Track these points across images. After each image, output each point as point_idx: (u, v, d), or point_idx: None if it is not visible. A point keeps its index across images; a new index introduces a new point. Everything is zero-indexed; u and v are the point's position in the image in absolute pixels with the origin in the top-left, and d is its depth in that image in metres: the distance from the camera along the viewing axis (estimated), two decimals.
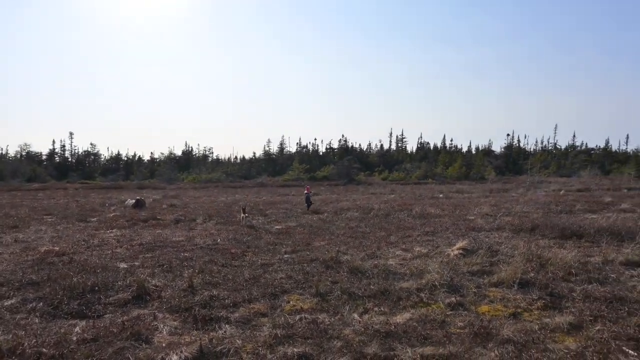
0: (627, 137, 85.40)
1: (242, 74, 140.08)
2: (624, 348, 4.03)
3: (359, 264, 7.29)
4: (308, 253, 8.58)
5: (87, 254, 8.67)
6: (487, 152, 74.95)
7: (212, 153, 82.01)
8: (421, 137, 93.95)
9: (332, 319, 4.93)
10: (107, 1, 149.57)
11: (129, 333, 4.45)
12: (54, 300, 5.60)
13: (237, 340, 4.31)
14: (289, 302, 5.57)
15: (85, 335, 4.43)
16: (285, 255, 8.46)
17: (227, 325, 4.75)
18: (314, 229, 11.85)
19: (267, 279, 6.62)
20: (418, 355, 3.95)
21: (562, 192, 26.02)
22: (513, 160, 69.62)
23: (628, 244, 8.66)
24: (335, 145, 78.95)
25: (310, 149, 79.19)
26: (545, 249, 8.14)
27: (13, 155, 70.00)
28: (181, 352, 3.99)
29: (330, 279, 6.56)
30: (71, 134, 72.99)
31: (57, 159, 72.21)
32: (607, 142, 74.41)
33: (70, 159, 73.12)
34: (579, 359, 3.88)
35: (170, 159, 73.89)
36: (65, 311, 5.27)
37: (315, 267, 7.32)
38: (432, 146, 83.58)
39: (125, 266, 7.60)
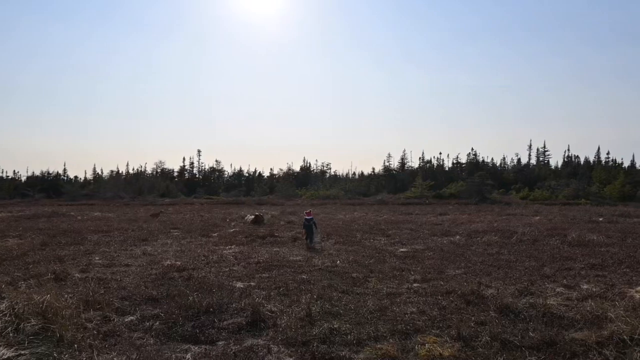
0: None
1: (359, 86, 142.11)
2: None
3: (510, 301, 6.21)
4: (442, 283, 7.69)
5: (206, 270, 8.91)
6: None
7: (330, 169, 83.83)
8: (568, 149, 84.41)
9: None
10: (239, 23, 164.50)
11: None
12: (169, 319, 5.63)
13: None
14: (423, 344, 4.81)
15: None
16: (415, 285, 7.68)
17: None
18: (445, 254, 10.83)
19: (396, 313, 5.94)
20: None
21: None
22: None
23: None
24: (464, 159, 75.10)
25: (435, 164, 76.40)
26: None
27: (150, 172, 79.85)
28: None
29: (473, 318, 5.64)
30: (199, 151, 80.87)
31: (186, 175, 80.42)
32: None
33: (197, 175, 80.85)
34: None
35: (289, 175, 77.40)
36: (180, 333, 5.22)
37: (453, 302, 6.43)
38: (582, 160, 74.83)
39: (241, 286, 7.56)
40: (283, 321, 5.57)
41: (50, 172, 70.63)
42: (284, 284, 7.62)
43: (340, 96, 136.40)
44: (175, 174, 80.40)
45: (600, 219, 21.20)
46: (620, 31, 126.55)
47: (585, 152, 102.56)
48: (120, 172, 78.00)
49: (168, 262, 9.76)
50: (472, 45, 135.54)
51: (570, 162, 75.13)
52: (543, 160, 75.19)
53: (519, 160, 76.40)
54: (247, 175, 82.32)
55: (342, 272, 8.74)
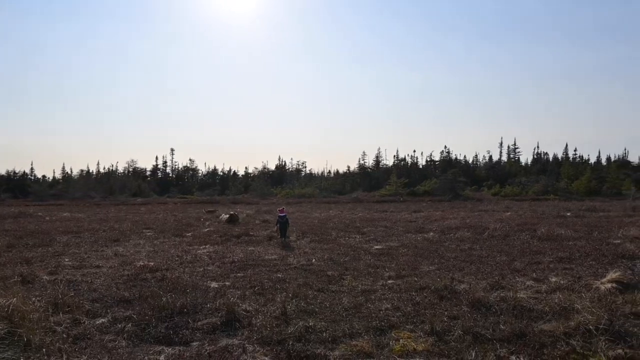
0: None
1: (334, 86, 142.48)
2: None
3: (482, 295, 6.34)
4: (416, 279, 7.79)
5: (180, 271, 8.79)
6: (622, 163, 66.90)
7: (305, 167, 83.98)
8: (537, 146, 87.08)
9: None
10: (206, 19, 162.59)
11: None
12: (142, 321, 5.53)
13: None
14: (398, 340, 4.87)
15: None
16: (389, 281, 7.76)
17: None
18: (419, 251, 10.98)
19: (370, 309, 5.99)
20: None
21: None
22: None
23: None
24: (437, 157, 76.27)
25: (409, 162, 77.31)
26: None
27: (122, 171, 78.20)
28: None
29: (446, 313, 5.73)
30: (172, 150, 79.57)
31: (159, 174, 79.09)
32: None
33: (171, 175, 79.61)
34: None
35: (264, 173, 77.07)
36: (153, 334, 5.13)
37: (427, 297, 6.53)
38: (551, 157, 76.99)
39: (216, 286, 7.50)
40: (258, 320, 5.54)
41: (17, 171, 68.44)
42: (259, 283, 7.59)
43: (315, 95, 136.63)
44: (148, 173, 79.04)
45: (568, 214, 21.85)
46: (593, 31, 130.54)
47: (554, 149, 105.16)
48: (90, 171, 76.25)
49: (141, 262, 9.59)
50: (450, 43, 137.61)
51: (539, 159, 77.20)
52: (514, 157, 77.05)
53: (490, 157, 78.18)
54: (221, 174, 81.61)
55: (318, 270, 8.76)
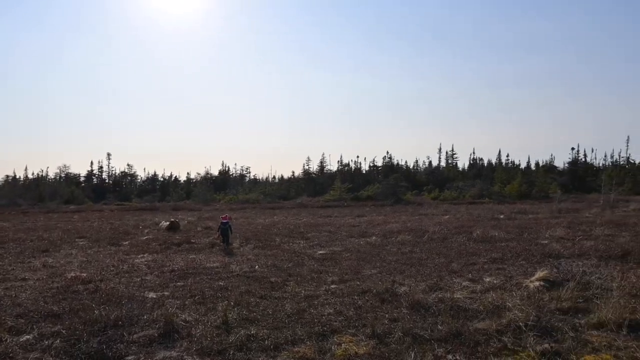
0: None
1: (279, 91, 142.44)
2: None
3: (421, 297, 6.53)
4: (358, 283, 7.89)
5: (115, 282, 8.39)
6: (549, 168, 71.56)
7: (250, 173, 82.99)
8: (473, 152, 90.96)
9: None
10: (143, 17, 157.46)
11: None
12: (72, 336, 5.21)
13: None
14: (339, 344, 4.90)
15: None
16: (332, 286, 7.81)
17: None
18: (362, 255, 11.15)
19: (313, 315, 6.00)
20: None
21: None
22: (580, 177, 66.02)
23: None
24: (380, 163, 77.97)
25: (353, 167, 78.46)
26: None
27: (53, 177, 73.68)
28: None
29: (387, 315, 5.85)
30: (109, 154, 75.97)
31: (94, 180, 75.25)
32: None
33: (107, 181, 75.99)
34: None
35: (207, 179, 75.36)
36: (84, 350, 4.84)
37: (369, 301, 6.63)
38: (486, 162, 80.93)
39: (154, 296, 7.22)
40: (198, 330, 5.39)
41: None
42: (200, 292, 7.39)
43: (259, 99, 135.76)
44: (82, 178, 74.97)
45: (502, 216, 23.04)
46: (522, 40, 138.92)
47: (488, 155, 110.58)
48: (17, 177, 71.18)
49: (72, 274, 9.05)
50: (400, 49, 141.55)
51: (475, 164, 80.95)
52: (452, 163, 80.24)
53: (430, 162, 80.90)
54: (162, 180, 78.89)
55: (261, 277, 8.66)
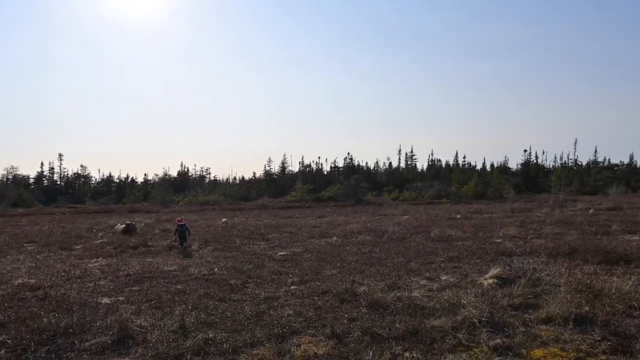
0: None
1: (240, 91, 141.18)
2: None
3: (380, 296, 6.61)
4: (318, 284, 7.91)
5: (66, 288, 8.06)
6: (503, 169, 74.22)
7: (210, 174, 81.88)
8: (432, 154, 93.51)
9: None
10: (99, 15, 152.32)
11: None
12: (18, 346, 4.97)
13: None
14: (299, 345, 4.90)
15: None
16: (292, 287, 7.80)
17: None
18: (322, 255, 11.19)
19: (273, 317, 5.97)
20: None
21: (591, 211, 25.24)
22: (532, 178, 68.84)
23: None
24: (341, 164, 78.62)
25: (314, 168, 78.71)
26: (593, 277, 7.48)
27: None
28: None
29: (346, 315, 5.90)
30: (60, 155, 73.06)
31: (45, 182, 72.07)
32: (632, 157, 73.19)
33: (59, 182, 72.99)
34: None
35: (165, 180, 73.63)
36: None
37: (328, 301, 6.66)
38: (444, 164, 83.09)
39: (108, 302, 6.99)
40: (154, 336, 5.25)
41: None
42: (157, 296, 7.21)
43: (219, 99, 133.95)
44: (32, 180, 71.61)
45: (458, 216, 23.70)
46: (471, 45, 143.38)
47: (446, 156, 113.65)
48: None
49: (19, 280, 8.61)
50: (361, 51, 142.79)
51: (433, 165, 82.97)
52: (411, 164, 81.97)
53: (390, 164, 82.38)
54: (118, 181, 76.51)
55: (220, 279, 8.54)
